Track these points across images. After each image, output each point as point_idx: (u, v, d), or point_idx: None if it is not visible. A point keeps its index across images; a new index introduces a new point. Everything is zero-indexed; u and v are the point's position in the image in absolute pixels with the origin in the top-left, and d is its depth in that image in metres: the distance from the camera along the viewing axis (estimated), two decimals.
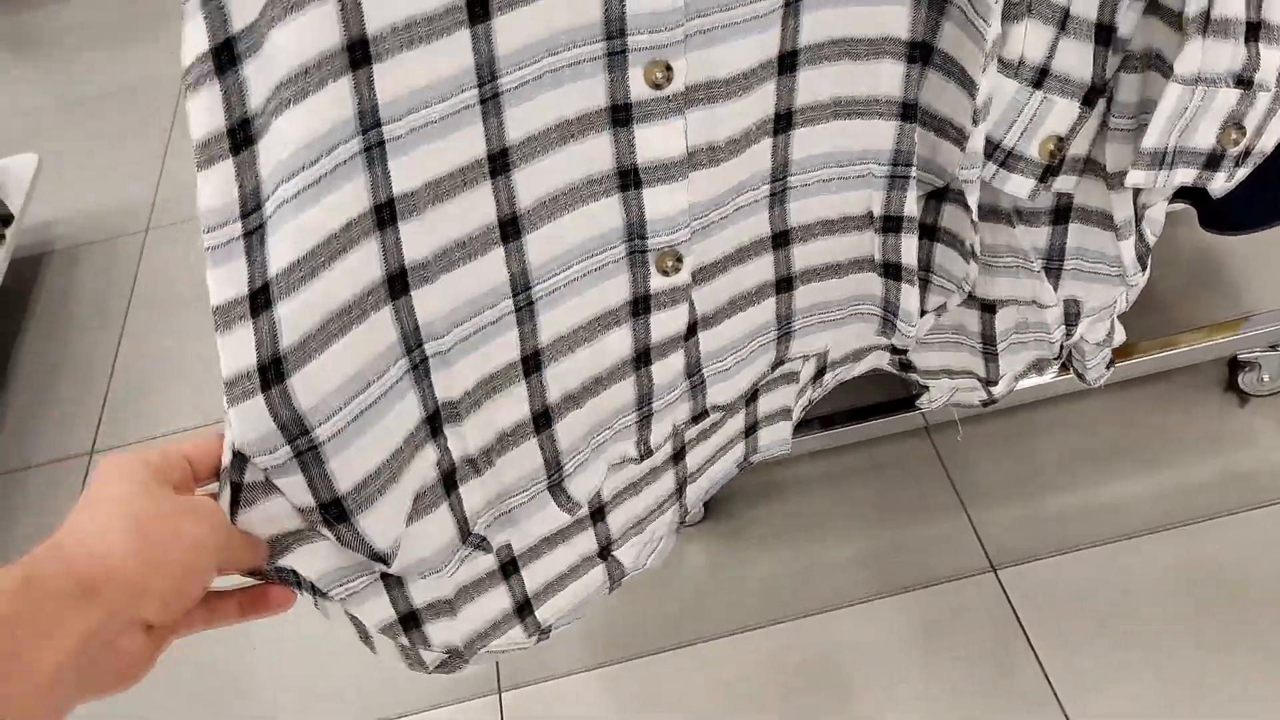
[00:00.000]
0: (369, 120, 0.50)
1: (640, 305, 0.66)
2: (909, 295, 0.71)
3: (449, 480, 0.63)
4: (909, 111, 0.63)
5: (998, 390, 0.81)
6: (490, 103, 0.54)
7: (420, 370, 0.59)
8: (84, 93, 2.09)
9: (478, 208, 0.56)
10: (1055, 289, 0.71)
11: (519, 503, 0.68)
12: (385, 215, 0.53)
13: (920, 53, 0.61)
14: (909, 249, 0.68)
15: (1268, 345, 1.18)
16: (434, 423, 0.61)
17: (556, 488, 0.70)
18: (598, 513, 0.75)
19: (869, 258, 0.71)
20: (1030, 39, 0.58)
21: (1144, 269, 0.69)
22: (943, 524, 1.18)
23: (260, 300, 0.50)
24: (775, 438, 0.85)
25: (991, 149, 0.62)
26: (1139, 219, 0.67)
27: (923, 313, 0.74)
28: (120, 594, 0.43)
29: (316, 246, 0.50)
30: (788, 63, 0.61)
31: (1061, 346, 0.76)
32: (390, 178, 0.53)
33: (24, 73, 2.20)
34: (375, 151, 0.52)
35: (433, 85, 0.52)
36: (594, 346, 0.65)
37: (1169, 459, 1.19)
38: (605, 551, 0.78)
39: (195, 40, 0.44)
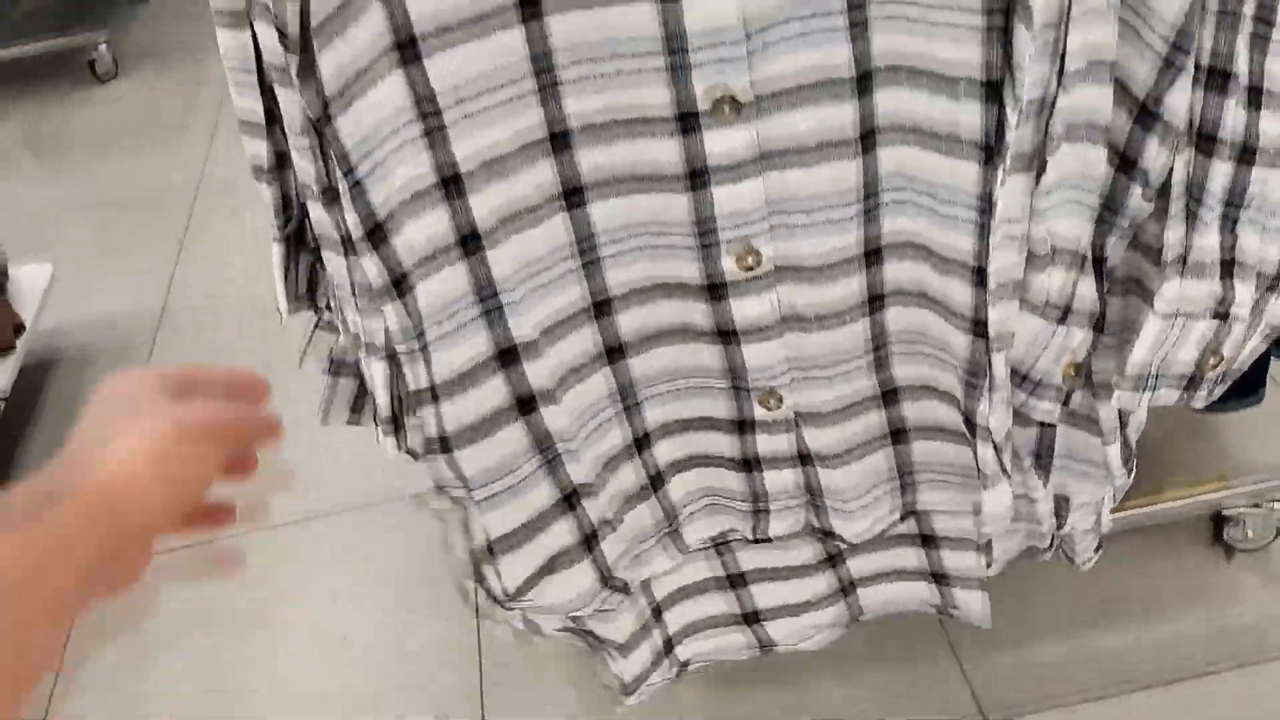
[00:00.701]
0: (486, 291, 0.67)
1: (744, 426, 0.76)
2: (998, 497, 0.74)
3: (590, 540, 0.77)
4: (979, 328, 0.67)
5: (989, 571, 0.84)
6: (591, 266, 0.68)
7: (554, 463, 0.73)
8: (99, 197, 2.13)
9: (585, 340, 0.70)
10: (1044, 483, 0.74)
11: (647, 548, 0.82)
12: (509, 358, 0.68)
13: (979, 277, 0.65)
14: (984, 453, 0.71)
15: (1251, 502, 1.20)
16: (570, 500, 0.75)
17: (674, 534, 0.83)
18: (738, 578, 0.90)
19: (966, 435, 0.75)
20: (1055, 283, 0.62)
21: (1129, 471, 0.72)
22: (933, 670, 1.19)
23: (429, 395, 0.69)
24: (967, 598, 0.90)
25: (1020, 379, 0.66)
26: (1123, 425, 0.71)
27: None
28: (133, 506, 0.44)
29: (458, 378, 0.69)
30: (872, 255, 0.68)
31: (1053, 536, 0.79)
32: (509, 327, 0.67)
33: (41, 174, 2.25)
34: (494, 313, 0.67)
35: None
36: (699, 438, 0.78)
37: (1158, 612, 1.21)
38: (752, 619, 0.93)
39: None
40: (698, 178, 0.64)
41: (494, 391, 0.70)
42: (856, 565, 0.89)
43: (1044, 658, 1.18)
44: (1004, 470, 0.71)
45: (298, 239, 0.73)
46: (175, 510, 0.46)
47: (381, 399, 0.69)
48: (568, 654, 1.23)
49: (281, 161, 0.68)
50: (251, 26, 0.58)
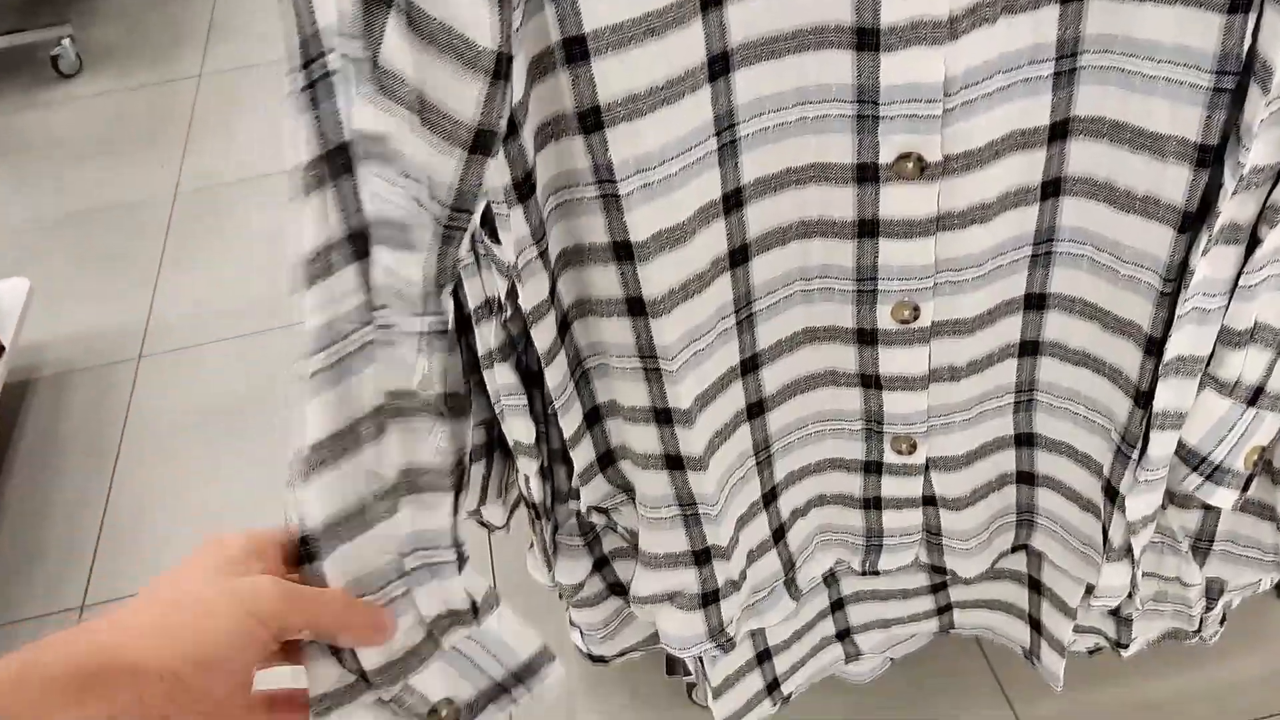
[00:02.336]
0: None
1: (872, 467, 0.74)
2: (1118, 573, 0.71)
3: (710, 597, 0.75)
4: (1144, 399, 0.64)
5: (1126, 653, 0.81)
6: (745, 323, 0.65)
7: (692, 520, 0.71)
8: (72, 205, 2.02)
9: (733, 401, 0.68)
10: (1200, 567, 0.71)
11: (761, 598, 0.80)
12: (663, 418, 0.65)
13: (1153, 346, 0.62)
14: (1117, 526, 0.69)
15: None
16: (700, 557, 0.73)
17: (790, 582, 0.80)
18: (837, 604, 0.89)
19: (1097, 504, 0.72)
20: (1250, 363, 0.59)
21: None
22: (984, 714, 1.16)
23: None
24: (1050, 658, 0.88)
25: (1198, 461, 0.62)
26: None
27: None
28: (124, 686, 0.39)
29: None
30: (1034, 302, 0.66)
31: (1201, 620, 0.76)
32: (667, 398, 0.64)
33: (7, 181, 2.12)
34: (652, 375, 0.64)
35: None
36: (822, 478, 0.75)
37: (1214, 657, 1.19)
38: (843, 634, 0.92)
39: None
40: (867, 229, 0.60)
41: (646, 441, 0.67)
42: (960, 593, 0.89)
43: (1096, 705, 1.16)
44: (1130, 551, 0.68)
45: None
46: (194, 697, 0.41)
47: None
48: (600, 704, 1.18)
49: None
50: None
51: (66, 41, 2.32)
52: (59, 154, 2.16)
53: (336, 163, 0.45)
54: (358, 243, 0.45)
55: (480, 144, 0.49)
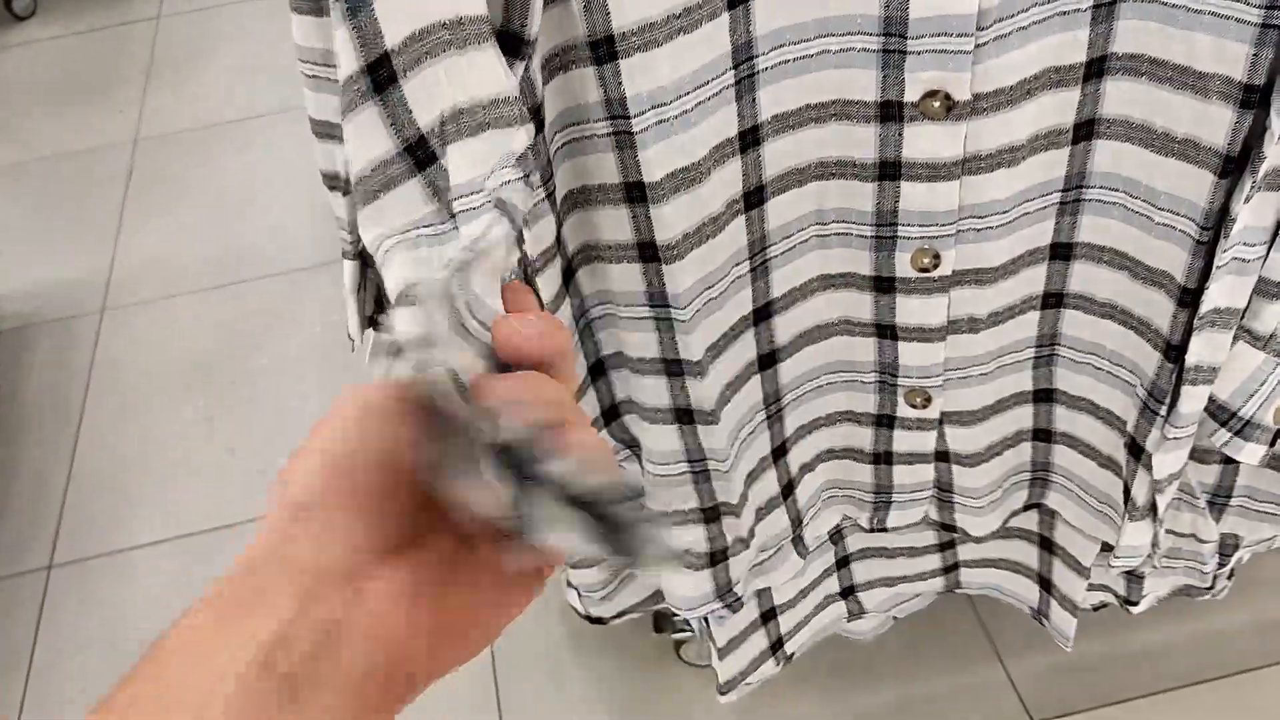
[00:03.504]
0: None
1: (884, 421, 0.71)
2: (1140, 531, 0.70)
3: (718, 555, 0.73)
4: (1174, 353, 0.62)
5: (1136, 610, 0.79)
6: (759, 269, 0.62)
7: (701, 476, 0.69)
8: (29, 153, 1.94)
9: (744, 351, 0.65)
10: (1216, 523, 0.69)
11: (768, 556, 0.78)
12: (674, 369, 0.63)
13: (1187, 297, 0.60)
14: (1141, 483, 0.67)
15: None
16: (710, 513, 0.71)
17: (797, 540, 0.78)
18: (842, 561, 0.87)
19: (1119, 461, 0.70)
20: None
21: None
22: (978, 675, 1.15)
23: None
24: (1060, 617, 0.87)
25: (1228, 416, 0.60)
26: None
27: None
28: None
29: None
30: (1060, 251, 0.63)
31: (1215, 576, 0.74)
32: (678, 348, 0.61)
33: None
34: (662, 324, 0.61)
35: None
36: (833, 431, 0.73)
37: (1200, 609, 1.19)
38: (847, 592, 0.91)
39: None
40: (888, 170, 0.57)
41: (655, 394, 0.64)
42: (969, 551, 0.87)
43: (1088, 657, 1.16)
44: (1155, 509, 0.66)
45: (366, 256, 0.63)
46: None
47: None
48: (587, 664, 1.16)
49: None
50: None
51: None
52: (13, 100, 2.08)
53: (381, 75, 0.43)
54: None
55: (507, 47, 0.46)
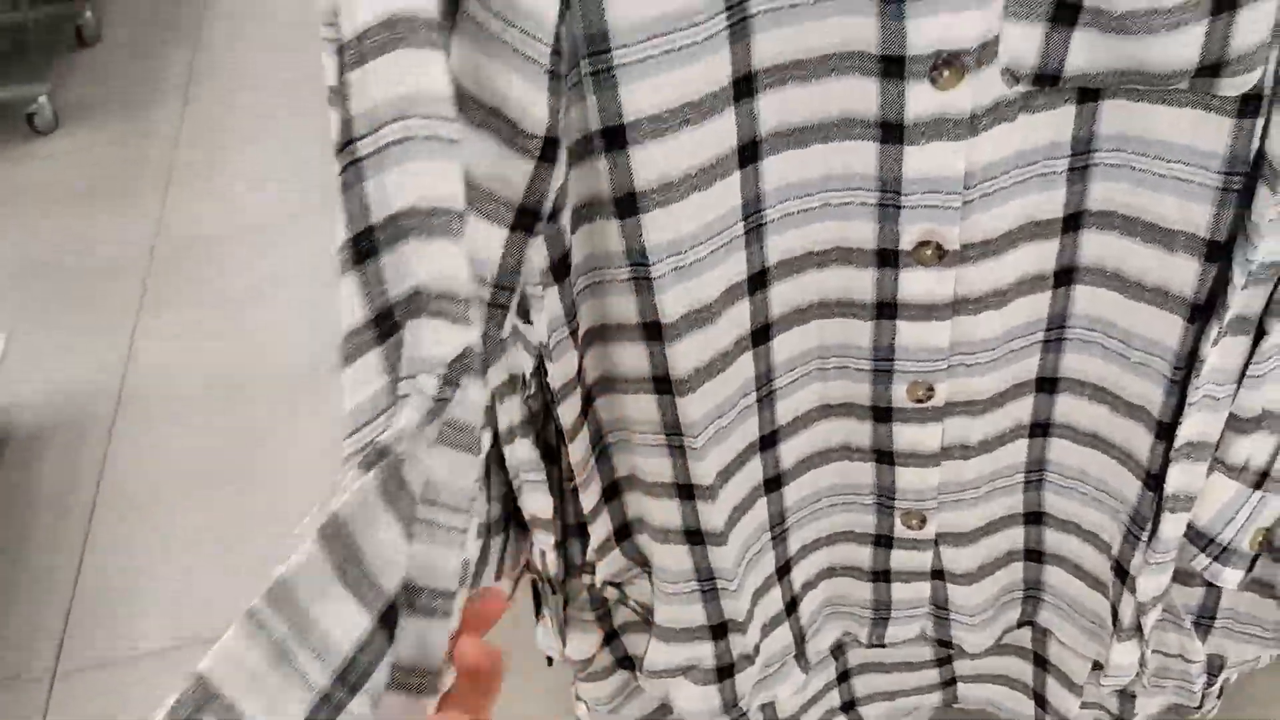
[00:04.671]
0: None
1: (882, 540, 0.74)
2: (1128, 652, 0.72)
3: (726, 671, 0.75)
4: (1154, 481, 0.65)
5: None
6: (766, 399, 0.66)
7: (710, 595, 0.71)
8: (48, 261, 2.00)
9: (751, 475, 0.69)
10: (1203, 643, 0.72)
11: (772, 671, 0.80)
12: (685, 493, 0.66)
13: (1163, 431, 0.64)
14: (1127, 604, 0.70)
15: None
16: (718, 630, 0.73)
17: (800, 655, 0.81)
18: (843, 676, 0.90)
19: (1106, 582, 0.73)
20: (1258, 448, 0.60)
21: None
22: None
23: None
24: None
25: (1206, 542, 0.64)
26: None
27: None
28: None
29: None
30: (1045, 384, 0.67)
31: (1203, 695, 0.77)
32: (689, 472, 0.65)
33: None
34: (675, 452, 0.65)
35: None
36: (833, 550, 0.76)
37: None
38: (848, 706, 0.92)
39: None
40: (885, 310, 0.62)
41: (667, 516, 0.68)
42: (965, 666, 0.89)
43: None
44: (1140, 630, 0.69)
45: None
46: None
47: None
48: None
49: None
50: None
51: (43, 99, 2.32)
52: (33, 207, 2.15)
53: (376, 239, 0.44)
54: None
55: (523, 223, 0.50)
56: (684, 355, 0.59)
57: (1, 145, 2.32)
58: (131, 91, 2.48)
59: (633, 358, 0.61)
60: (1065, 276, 0.62)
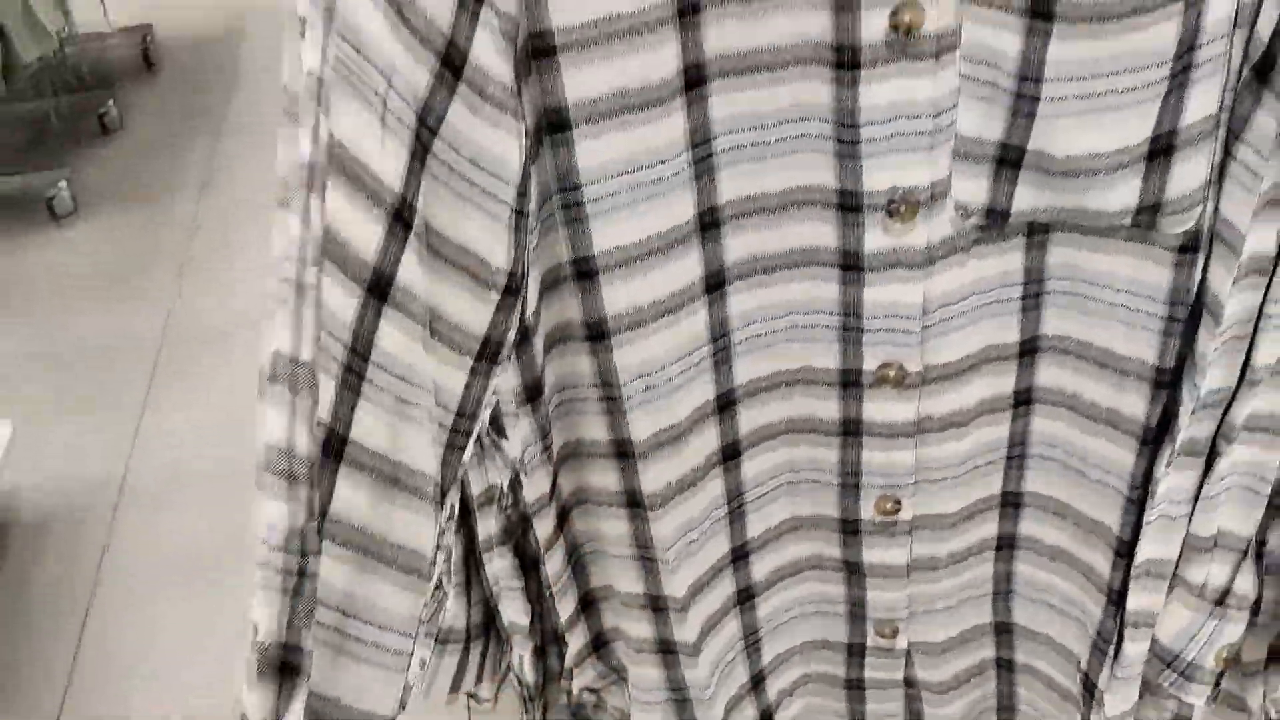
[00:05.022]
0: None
1: (855, 649, 0.75)
2: None
3: None
4: (1117, 598, 0.67)
5: None
6: (736, 516, 0.68)
7: (684, 705, 0.72)
8: (59, 348, 2.04)
9: (723, 590, 0.70)
10: None
11: None
12: (658, 604, 0.67)
13: (1123, 548, 0.66)
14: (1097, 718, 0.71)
15: None
16: None
17: None
18: None
19: (1076, 696, 0.74)
20: (1216, 567, 0.62)
21: None
22: None
23: None
24: None
25: (1171, 659, 0.65)
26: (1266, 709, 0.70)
27: None
28: None
29: None
30: (1010, 500, 0.69)
31: None
32: (662, 586, 0.67)
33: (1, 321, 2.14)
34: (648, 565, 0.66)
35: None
36: (807, 659, 0.77)
37: None
38: None
39: None
40: (851, 429, 0.64)
41: (641, 628, 0.69)
42: None
43: None
44: None
45: None
46: None
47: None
48: None
49: None
50: None
51: (63, 185, 2.38)
52: (48, 294, 2.20)
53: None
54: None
55: (487, 353, 0.53)
56: (654, 474, 0.62)
57: (21, 231, 2.38)
58: (151, 180, 2.54)
59: (604, 476, 0.63)
60: (1024, 400, 0.64)
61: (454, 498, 0.56)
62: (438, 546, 0.53)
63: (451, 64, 0.48)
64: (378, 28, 0.45)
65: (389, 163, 0.47)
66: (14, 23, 2.11)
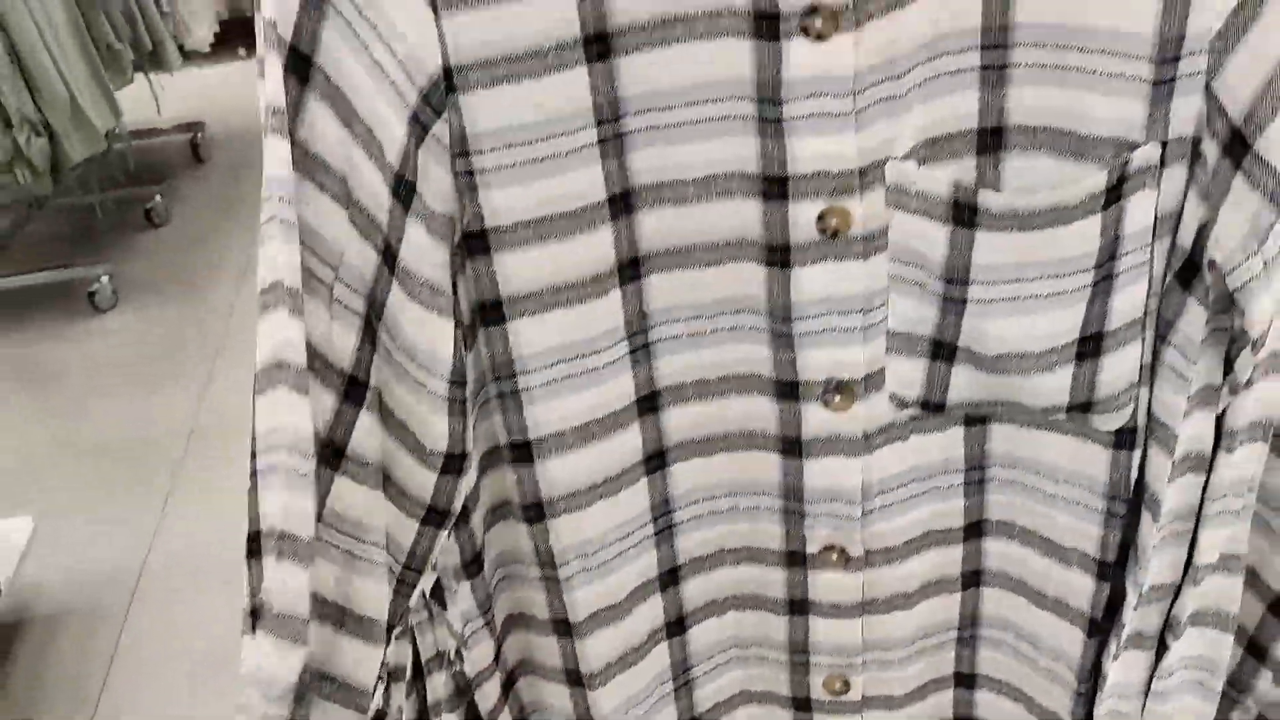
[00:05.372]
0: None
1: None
2: None
3: None
4: (1094, 626, 0.64)
5: None
6: (681, 689, 0.67)
7: None
8: (88, 439, 2.09)
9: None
10: None
11: None
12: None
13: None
14: None
15: None
16: None
17: None
18: None
19: None
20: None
21: None
22: None
23: None
24: None
25: None
26: None
27: None
28: None
29: None
30: (963, 680, 0.68)
31: None
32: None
33: (30, 411, 2.20)
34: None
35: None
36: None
37: None
38: None
39: None
40: (798, 607, 0.64)
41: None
42: None
43: None
44: None
45: None
46: None
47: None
48: None
49: None
50: None
51: (105, 278, 2.46)
52: (82, 386, 2.25)
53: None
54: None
55: (433, 519, 0.54)
56: (594, 651, 0.61)
57: (62, 322, 2.46)
58: (192, 270, 2.62)
59: (546, 651, 0.63)
60: (973, 580, 0.63)
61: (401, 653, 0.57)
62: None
63: (390, 257, 0.50)
64: (335, 219, 0.50)
65: (338, 344, 0.51)
66: (62, 122, 2.18)
